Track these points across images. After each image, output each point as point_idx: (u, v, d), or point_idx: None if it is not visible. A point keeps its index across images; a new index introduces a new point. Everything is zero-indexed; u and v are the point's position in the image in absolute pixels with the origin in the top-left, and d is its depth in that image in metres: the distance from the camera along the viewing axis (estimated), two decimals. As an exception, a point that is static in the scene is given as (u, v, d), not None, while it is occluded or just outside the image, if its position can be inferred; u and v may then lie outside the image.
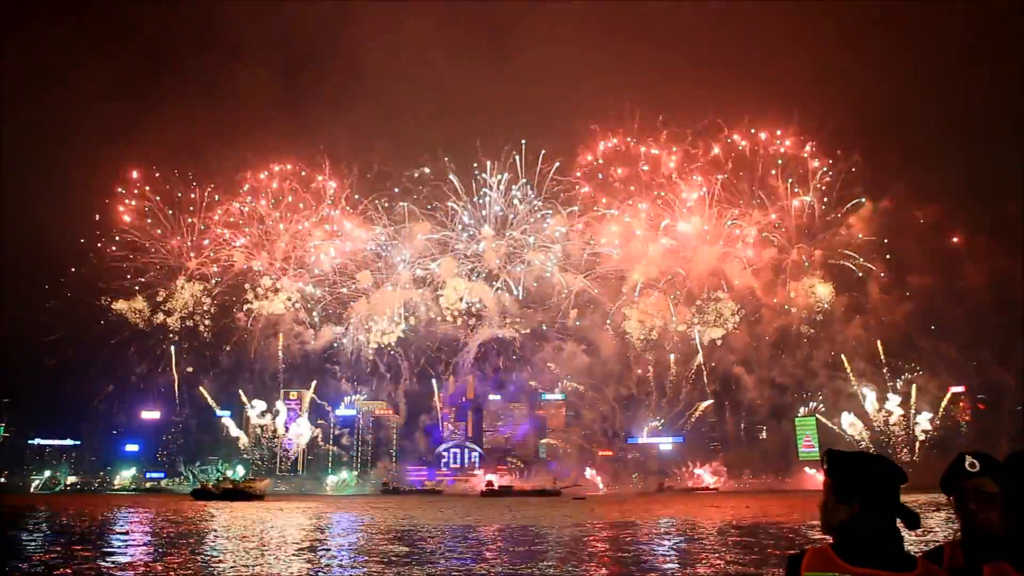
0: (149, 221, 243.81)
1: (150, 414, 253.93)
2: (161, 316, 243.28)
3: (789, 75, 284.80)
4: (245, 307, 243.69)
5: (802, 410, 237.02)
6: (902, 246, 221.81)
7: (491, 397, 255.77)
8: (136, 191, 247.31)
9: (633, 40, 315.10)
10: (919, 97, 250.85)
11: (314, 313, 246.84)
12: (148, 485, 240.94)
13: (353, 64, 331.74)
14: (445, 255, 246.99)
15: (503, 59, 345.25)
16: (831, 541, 4.44)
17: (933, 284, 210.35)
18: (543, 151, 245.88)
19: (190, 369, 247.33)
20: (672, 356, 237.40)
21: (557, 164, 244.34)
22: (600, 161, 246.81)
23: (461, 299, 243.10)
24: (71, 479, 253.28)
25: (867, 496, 4.34)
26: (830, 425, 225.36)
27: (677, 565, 37.42)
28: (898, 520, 4.38)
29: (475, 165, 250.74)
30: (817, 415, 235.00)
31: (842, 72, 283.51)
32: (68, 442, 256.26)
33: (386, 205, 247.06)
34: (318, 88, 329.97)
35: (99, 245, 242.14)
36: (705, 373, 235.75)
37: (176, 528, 67.17)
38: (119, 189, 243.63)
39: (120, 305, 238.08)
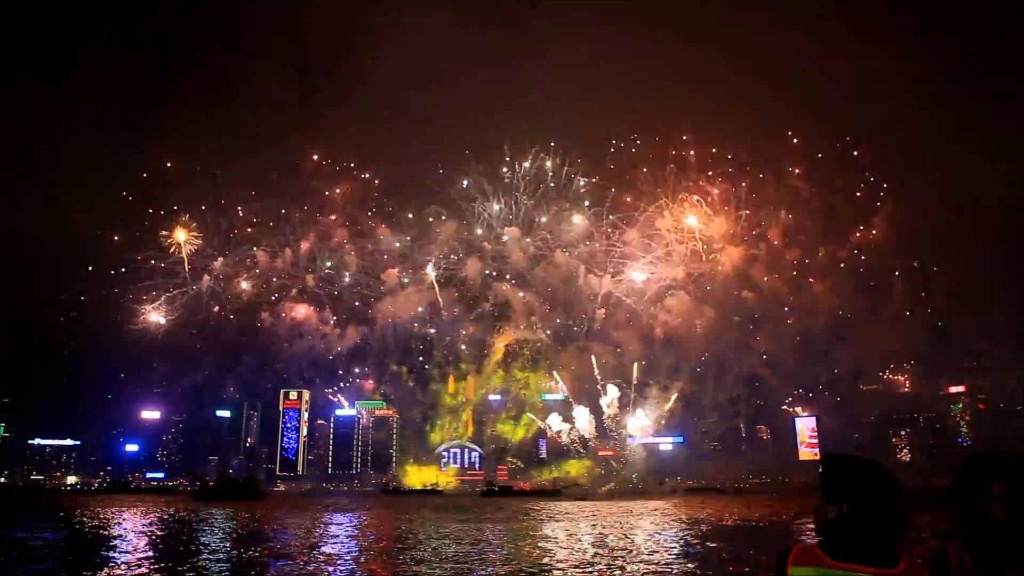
0: (164, 232, 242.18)
1: (150, 414, 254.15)
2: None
3: (813, 77, 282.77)
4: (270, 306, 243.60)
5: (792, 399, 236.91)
6: (921, 247, 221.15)
7: (491, 397, 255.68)
8: (155, 191, 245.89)
9: (654, 40, 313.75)
10: (942, 97, 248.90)
11: (340, 313, 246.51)
12: (156, 485, 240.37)
13: (371, 64, 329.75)
14: (471, 256, 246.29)
15: (522, 60, 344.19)
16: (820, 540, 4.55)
17: (950, 285, 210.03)
18: (573, 154, 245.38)
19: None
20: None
21: (580, 160, 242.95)
22: (608, 153, 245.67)
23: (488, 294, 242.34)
24: (71, 479, 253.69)
25: (855, 498, 4.46)
26: None
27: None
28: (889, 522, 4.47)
29: (504, 170, 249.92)
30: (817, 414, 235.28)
31: (865, 74, 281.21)
32: (68, 442, 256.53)
33: (412, 203, 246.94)
34: (335, 89, 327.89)
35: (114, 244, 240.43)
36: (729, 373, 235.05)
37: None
38: (123, 193, 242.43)
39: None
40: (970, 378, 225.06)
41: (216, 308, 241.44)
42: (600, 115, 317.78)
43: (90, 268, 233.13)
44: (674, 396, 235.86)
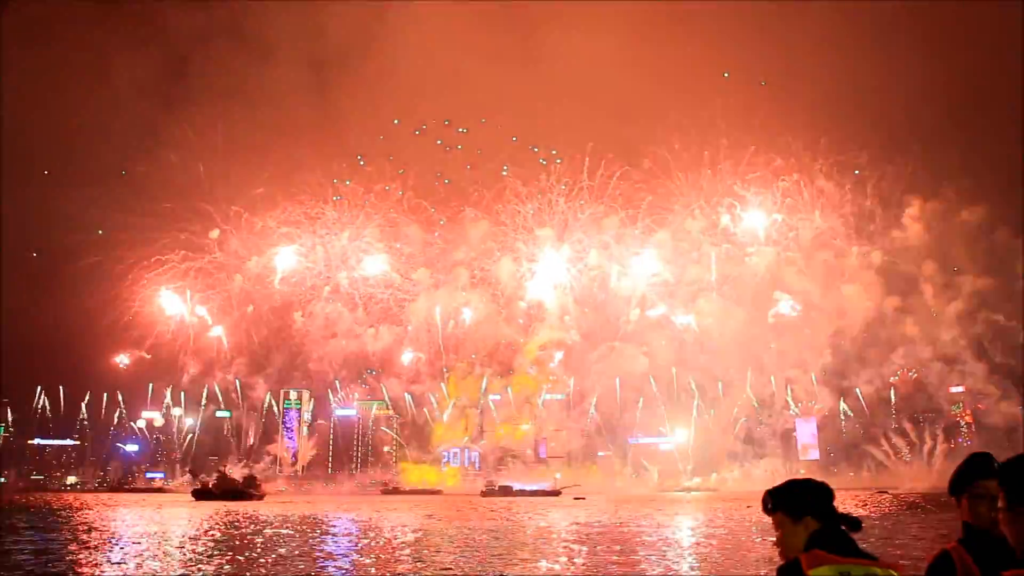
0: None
1: (149, 414, 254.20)
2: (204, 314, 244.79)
3: (837, 78, 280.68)
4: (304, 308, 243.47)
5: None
6: (951, 247, 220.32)
7: (491, 397, 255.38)
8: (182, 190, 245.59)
9: (675, 42, 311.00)
10: (975, 95, 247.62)
11: (370, 314, 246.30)
12: (158, 484, 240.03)
13: (387, 65, 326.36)
14: (504, 255, 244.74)
15: (541, 61, 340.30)
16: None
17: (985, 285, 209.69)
18: (607, 155, 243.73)
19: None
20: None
21: (620, 171, 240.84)
22: (641, 155, 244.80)
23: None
24: (71, 479, 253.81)
25: (817, 510, 4.92)
26: None
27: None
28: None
29: (542, 163, 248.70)
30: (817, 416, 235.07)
31: (892, 75, 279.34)
32: (68, 442, 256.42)
33: (450, 205, 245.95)
34: (352, 89, 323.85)
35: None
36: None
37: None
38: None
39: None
40: (970, 378, 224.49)
41: (250, 307, 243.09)
42: (629, 115, 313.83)
43: (98, 255, 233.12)
44: (695, 398, 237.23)
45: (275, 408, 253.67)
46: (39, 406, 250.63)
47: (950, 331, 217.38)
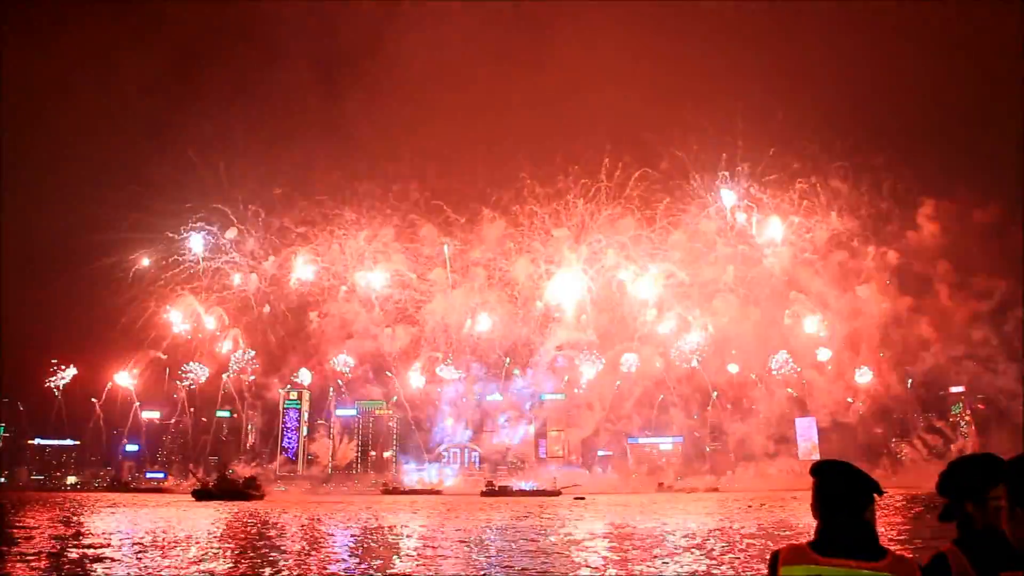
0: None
1: (150, 414, 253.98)
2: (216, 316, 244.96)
3: (853, 81, 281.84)
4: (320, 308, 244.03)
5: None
6: (963, 246, 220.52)
7: (490, 397, 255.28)
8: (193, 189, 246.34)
9: (692, 44, 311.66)
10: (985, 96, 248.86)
11: (386, 315, 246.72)
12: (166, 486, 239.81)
13: (399, 66, 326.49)
14: (521, 256, 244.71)
15: (557, 62, 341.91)
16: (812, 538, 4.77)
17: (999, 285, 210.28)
18: (624, 157, 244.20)
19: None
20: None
21: (638, 172, 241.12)
22: (658, 156, 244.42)
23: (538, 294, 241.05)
24: (71, 479, 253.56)
25: (838, 502, 4.72)
26: None
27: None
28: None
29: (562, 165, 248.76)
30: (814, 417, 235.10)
31: (906, 77, 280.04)
32: (68, 442, 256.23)
33: (469, 206, 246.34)
34: (365, 89, 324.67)
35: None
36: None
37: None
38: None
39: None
40: (970, 378, 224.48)
41: (267, 307, 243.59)
42: (647, 116, 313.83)
43: (115, 256, 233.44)
44: (715, 394, 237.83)
45: (281, 408, 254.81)
46: (51, 405, 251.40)
47: (981, 330, 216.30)
